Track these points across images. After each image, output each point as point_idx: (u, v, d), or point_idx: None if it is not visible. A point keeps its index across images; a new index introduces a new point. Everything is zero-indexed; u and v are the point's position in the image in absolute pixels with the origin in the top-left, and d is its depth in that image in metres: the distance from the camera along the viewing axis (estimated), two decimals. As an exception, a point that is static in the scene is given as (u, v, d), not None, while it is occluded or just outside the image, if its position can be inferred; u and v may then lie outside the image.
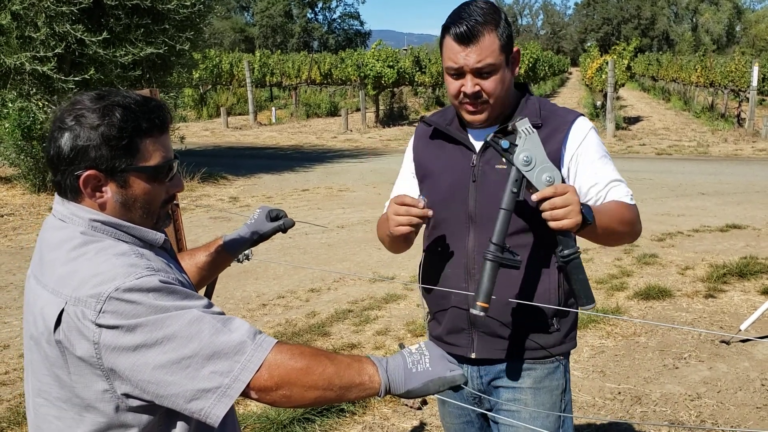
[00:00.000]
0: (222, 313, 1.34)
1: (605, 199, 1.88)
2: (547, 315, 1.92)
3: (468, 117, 1.89)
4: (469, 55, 1.77)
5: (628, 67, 20.89)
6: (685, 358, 4.60)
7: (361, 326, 5.24)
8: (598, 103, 22.26)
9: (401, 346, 2.02)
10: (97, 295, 1.25)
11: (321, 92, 29.21)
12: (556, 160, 1.84)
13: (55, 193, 1.44)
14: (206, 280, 1.93)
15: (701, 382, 4.25)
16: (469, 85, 1.80)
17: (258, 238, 1.90)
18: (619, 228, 1.84)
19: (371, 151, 16.63)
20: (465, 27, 1.76)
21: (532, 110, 1.91)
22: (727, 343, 4.80)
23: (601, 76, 21.34)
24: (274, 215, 1.92)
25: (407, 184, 2.11)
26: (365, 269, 6.61)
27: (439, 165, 1.99)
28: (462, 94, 1.83)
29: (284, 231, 1.92)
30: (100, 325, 1.24)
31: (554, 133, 1.87)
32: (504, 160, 1.71)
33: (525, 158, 1.63)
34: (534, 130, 1.66)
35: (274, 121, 24.26)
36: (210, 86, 27.57)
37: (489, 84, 1.80)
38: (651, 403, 4.00)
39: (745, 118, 18.71)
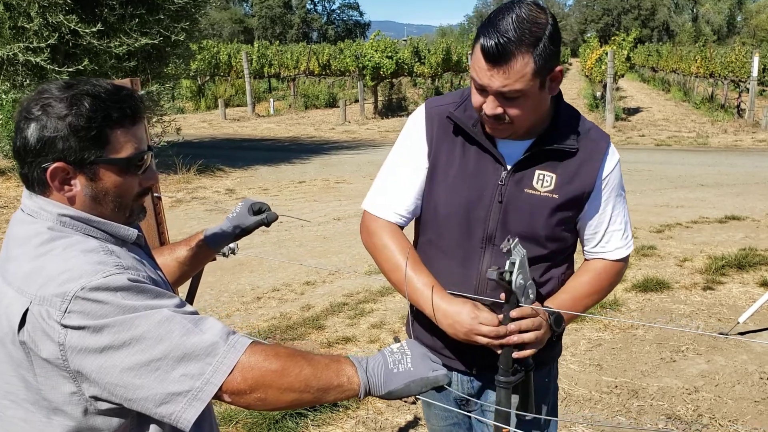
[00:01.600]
0: (195, 313, 1.29)
1: (598, 245, 1.84)
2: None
3: (489, 131, 1.73)
4: (494, 77, 1.54)
5: (628, 58, 20.76)
6: (682, 351, 4.56)
7: (356, 319, 5.19)
8: (598, 94, 22.17)
9: (396, 339, 1.98)
10: (63, 294, 1.19)
11: (319, 83, 29.09)
12: (588, 190, 1.76)
13: (24, 187, 1.38)
14: (188, 275, 1.87)
15: (699, 376, 4.20)
16: (490, 106, 1.61)
17: (240, 232, 1.84)
18: (594, 302, 1.85)
19: (369, 142, 16.55)
20: (493, 43, 1.51)
21: (568, 129, 1.76)
22: (726, 335, 4.75)
23: (600, 67, 21.23)
24: (257, 208, 1.86)
25: (414, 179, 1.84)
26: (361, 262, 6.56)
27: (459, 170, 1.78)
28: (483, 111, 1.65)
29: (267, 225, 1.86)
30: (65, 326, 1.19)
31: (589, 161, 1.76)
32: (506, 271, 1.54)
33: (521, 283, 1.56)
34: (524, 252, 1.54)
35: (272, 112, 24.16)
36: (208, 77, 27.44)
37: (514, 110, 1.61)
38: (648, 397, 3.96)
39: (745, 109, 18.62)
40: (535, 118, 1.68)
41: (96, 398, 1.24)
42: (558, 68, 1.61)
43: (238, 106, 25.73)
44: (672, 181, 10.59)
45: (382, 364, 1.33)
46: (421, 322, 1.92)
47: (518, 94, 1.56)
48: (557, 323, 1.72)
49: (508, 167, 1.73)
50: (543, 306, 1.73)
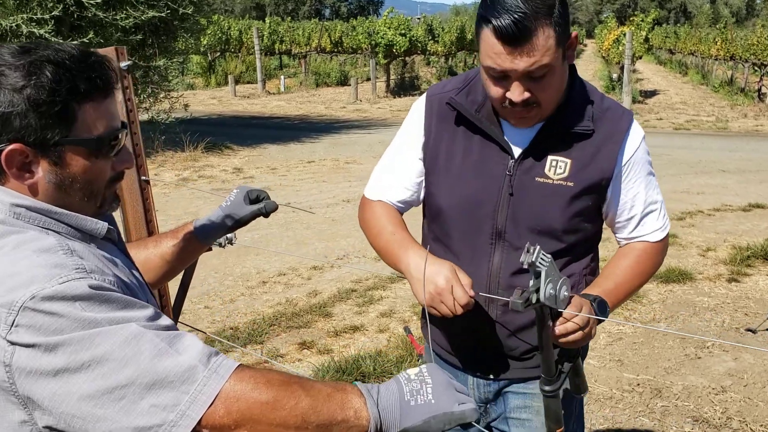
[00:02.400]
0: (172, 327, 1.07)
1: (635, 230, 1.70)
2: None
3: (515, 123, 1.58)
4: (518, 59, 1.39)
5: (646, 39, 20.31)
6: (708, 348, 4.32)
7: (365, 307, 4.98)
8: (614, 75, 21.74)
9: (406, 329, 1.79)
10: (9, 304, 0.98)
11: (331, 61, 28.73)
12: (608, 176, 1.61)
13: None
14: (175, 271, 1.65)
15: (726, 374, 3.97)
16: (516, 92, 1.44)
17: (234, 223, 1.60)
18: (637, 286, 1.72)
19: (380, 122, 16.26)
20: (510, 21, 1.35)
21: (583, 109, 1.59)
22: (754, 331, 4.51)
23: (618, 48, 20.79)
24: (254, 197, 1.62)
25: (408, 167, 1.73)
26: (369, 247, 6.34)
27: (462, 161, 1.64)
28: (506, 101, 1.48)
29: (266, 215, 1.63)
30: (12, 343, 0.97)
31: (607, 144, 1.59)
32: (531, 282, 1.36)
33: (551, 293, 1.35)
34: (549, 257, 1.33)
35: (282, 90, 23.89)
36: (218, 53, 27.16)
37: (542, 89, 1.46)
38: (672, 397, 3.74)
39: (766, 93, 18.17)
40: (560, 95, 1.54)
41: (51, 429, 1.02)
42: (573, 33, 1.48)
43: (248, 83, 25.46)
44: (692, 166, 10.28)
45: (397, 394, 1.10)
46: (437, 323, 1.77)
47: (546, 70, 1.42)
48: (602, 310, 1.54)
49: (516, 155, 1.59)
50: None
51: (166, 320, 1.07)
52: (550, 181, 1.58)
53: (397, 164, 1.75)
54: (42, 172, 1.11)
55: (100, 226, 1.19)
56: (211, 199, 8.28)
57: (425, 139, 1.69)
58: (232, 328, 4.64)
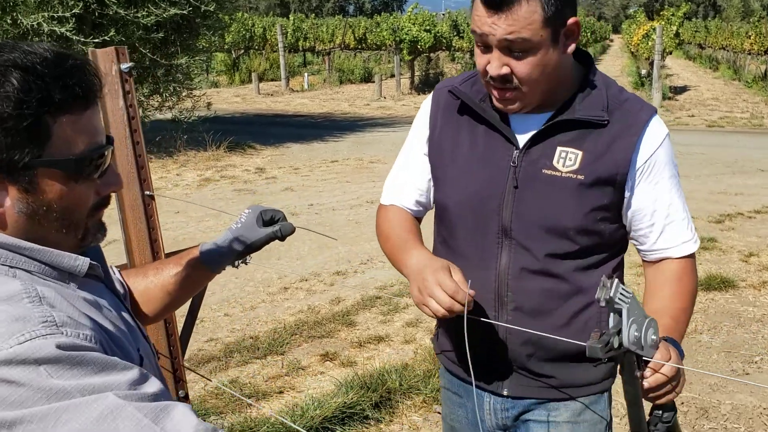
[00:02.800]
0: (161, 395, 0.87)
1: (658, 240, 1.52)
2: None
3: (496, 104, 1.48)
4: (497, 24, 1.33)
5: (677, 34, 19.82)
6: (756, 363, 4.05)
7: (390, 316, 4.77)
8: (643, 71, 21.27)
9: (433, 340, 1.64)
10: (-43, 370, 0.79)
11: (355, 58, 28.56)
12: (623, 171, 1.46)
13: None
14: (178, 303, 1.45)
15: (778, 393, 3.70)
16: (495, 64, 1.38)
17: (245, 249, 1.40)
18: (688, 317, 1.55)
19: (405, 119, 16.01)
20: None
21: (596, 99, 1.47)
22: (805, 346, 4.23)
23: (647, 43, 20.32)
24: (268, 218, 1.42)
25: (417, 167, 1.66)
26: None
27: (466, 155, 1.55)
28: (487, 74, 1.41)
29: (281, 239, 1.42)
30: (-39, 418, 0.78)
31: (623, 136, 1.45)
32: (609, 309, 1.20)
33: (635, 335, 1.15)
34: (630, 292, 1.15)
35: (306, 87, 23.78)
36: (242, 51, 27.13)
37: (522, 67, 1.37)
38: (720, 418, 3.48)
39: (802, 88, 17.63)
40: (548, 84, 1.43)
41: None
42: (572, 20, 1.38)
43: (272, 80, 25.39)
44: (728, 165, 9.90)
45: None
46: (446, 333, 1.70)
47: (526, 45, 1.34)
48: (676, 346, 1.38)
49: (521, 145, 1.49)
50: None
51: (153, 385, 0.87)
52: (559, 174, 1.45)
53: (407, 166, 1.69)
54: (10, 200, 0.93)
55: (80, 262, 0.99)
56: (234, 200, 8.13)
57: (430, 132, 1.62)
58: (252, 338, 4.47)
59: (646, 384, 1.26)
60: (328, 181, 9.23)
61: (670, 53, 21.96)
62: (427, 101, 1.67)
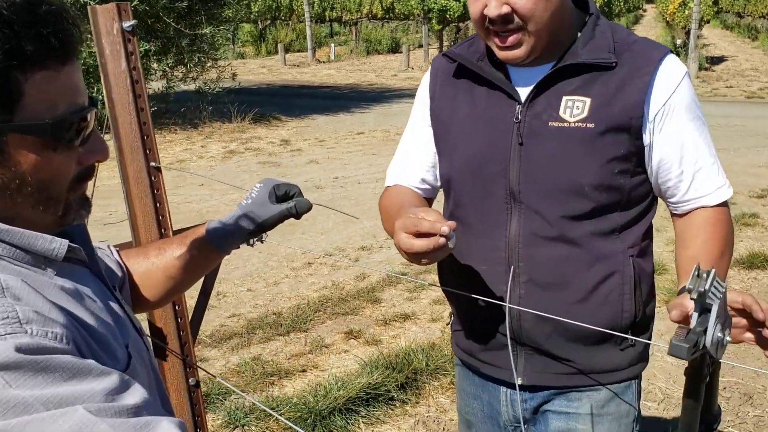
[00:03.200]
0: (143, 407, 0.72)
1: (689, 190, 1.37)
2: (620, 326, 1.40)
3: (499, 54, 1.35)
4: None
5: (715, 2, 19.14)
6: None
7: (416, 293, 4.62)
8: (679, 41, 20.63)
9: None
10: None
11: (382, 28, 28.21)
12: (637, 115, 1.31)
13: None
14: (183, 286, 1.31)
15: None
16: (493, 4, 1.26)
17: (256, 227, 1.24)
18: (726, 265, 1.39)
19: (433, 90, 15.77)
20: None
21: (601, 42, 1.34)
22: None
23: (683, 12, 19.68)
24: (282, 193, 1.25)
25: (421, 139, 1.55)
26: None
27: (465, 117, 1.43)
28: (486, 20, 1.28)
29: (297, 216, 1.26)
30: None
31: (634, 77, 1.31)
32: None
33: (719, 335, 0.98)
34: (724, 285, 0.97)
35: (332, 58, 23.58)
36: (269, 22, 26.94)
37: (524, 2, 1.25)
38: (766, 404, 3.29)
39: None
40: (552, 24, 1.29)
41: None
42: None
43: (298, 51, 25.23)
44: (769, 138, 9.54)
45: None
46: (458, 315, 1.58)
47: None
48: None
49: (523, 99, 1.36)
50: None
51: (135, 395, 0.73)
52: (567, 125, 1.32)
53: (411, 142, 1.58)
54: (-26, 171, 0.78)
55: (57, 245, 0.85)
56: (258, 173, 8.02)
57: (430, 102, 1.51)
58: (275, 314, 4.36)
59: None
60: (353, 154, 9.07)
61: (708, 22, 21.24)
62: (426, 73, 1.57)
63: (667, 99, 1.32)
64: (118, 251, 1.26)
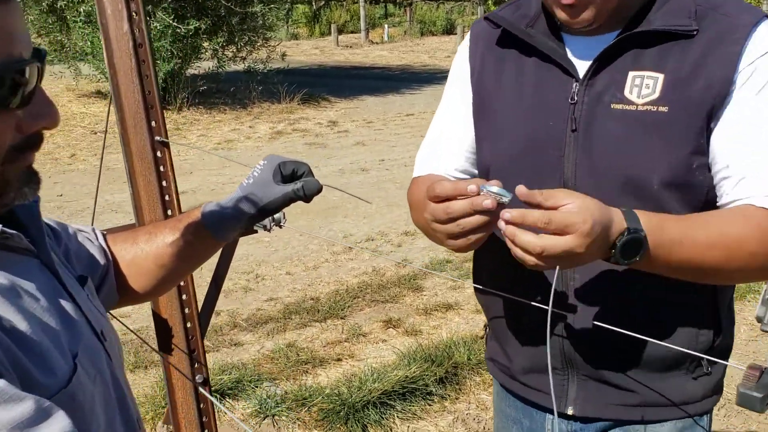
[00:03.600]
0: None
1: (742, 182, 1.04)
2: (695, 351, 1.14)
3: (562, 16, 1.09)
4: None
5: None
6: None
7: (461, 282, 4.43)
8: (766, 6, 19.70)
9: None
10: None
11: (438, 9, 27.90)
12: (723, 93, 1.04)
13: None
14: (179, 276, 1.15)
15: None
16: None
17: (258, 211, 1.07)
18: (720, 263, 1.01)
19: (486, 72, 15.48)
20: None
21: (680, 5, 1.08)
22: None
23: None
24: (289, 172, 1.07)
25: (459, 120, 1.29)
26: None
27: (511, 95, 1.19)
28: None
29: (306, 199, 1.08)
30: None
31: (720, 46, 1.04)
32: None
33: None
34: None
35: (386, 39, 23.41)
36: (323, 3, 26.92)
37: None
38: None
39: None
40: None
41: None
42: None
43: (351, 32, 25.15)
44: None
45: None
46: (497, 336, 1.32)
47: None
48: (629, 247, 0.95)
49: (581, 75, 1.12)
50: None
51: (53, 427, 0.57)
52: (634, 107, 1.08)
53: (446, 123, 1.32)
54: None
55: (-9, 231, 0.69)
56: (305, 154, 7.90)
57: (470, 75, 1.26)
58: (312, 299, 4.23)
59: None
60: (401, 136, 8.89)
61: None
62: (464, 41, 1.31)
63: (752, 62, 1.04)
64: (104, 235, 1.11)
